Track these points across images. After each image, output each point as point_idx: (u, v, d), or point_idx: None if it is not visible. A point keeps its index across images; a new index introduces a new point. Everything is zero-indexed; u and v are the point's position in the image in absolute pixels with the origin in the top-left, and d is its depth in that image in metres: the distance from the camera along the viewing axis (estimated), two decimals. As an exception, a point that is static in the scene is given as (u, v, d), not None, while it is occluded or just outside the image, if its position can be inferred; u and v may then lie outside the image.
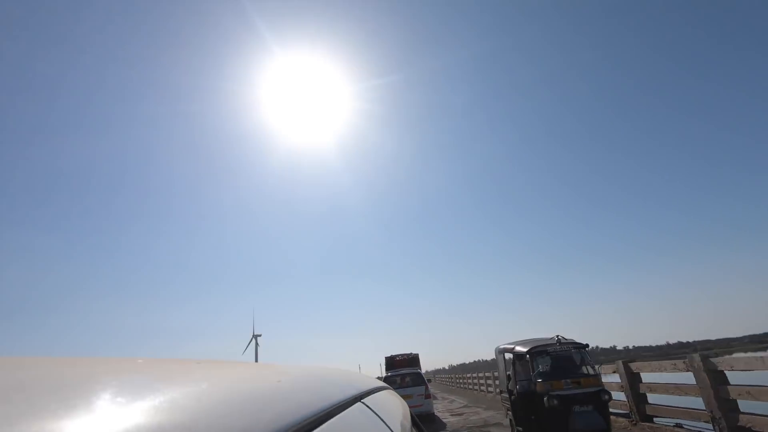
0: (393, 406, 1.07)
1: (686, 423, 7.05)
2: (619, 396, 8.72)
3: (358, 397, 0.78)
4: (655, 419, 7.88)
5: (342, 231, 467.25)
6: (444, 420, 12.69)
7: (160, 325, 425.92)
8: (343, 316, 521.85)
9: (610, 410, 7.11)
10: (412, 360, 16.94)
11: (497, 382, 16.23)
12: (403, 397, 11.16)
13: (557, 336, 7.33)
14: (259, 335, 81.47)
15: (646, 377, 8.21)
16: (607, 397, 6.49)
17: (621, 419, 8.51)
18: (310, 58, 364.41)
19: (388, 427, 0.79)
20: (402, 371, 14.26)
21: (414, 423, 1.28)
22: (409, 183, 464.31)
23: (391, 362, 16.91)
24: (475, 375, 25.66)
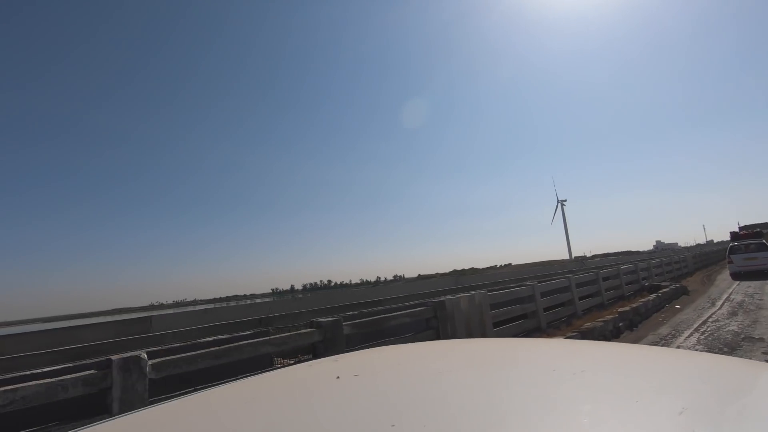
0: None
1: None
2: None
3: None
4: None
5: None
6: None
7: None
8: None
9: None
10: (757, 233, 19.17)
11: None
12: (749, 259, 16.23)
13: None
14: (564, 201, 75.89)
15: None
16: None
17: None
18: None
19: None
20: (746, 241, 17.47)
21: None
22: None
23: (737, 235, 19.73)
24: None
